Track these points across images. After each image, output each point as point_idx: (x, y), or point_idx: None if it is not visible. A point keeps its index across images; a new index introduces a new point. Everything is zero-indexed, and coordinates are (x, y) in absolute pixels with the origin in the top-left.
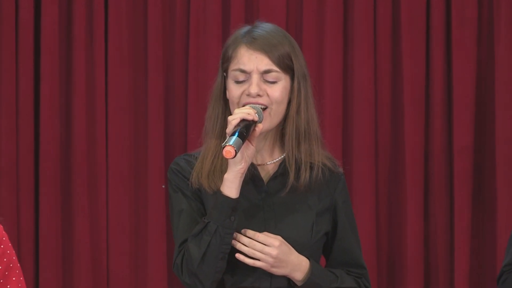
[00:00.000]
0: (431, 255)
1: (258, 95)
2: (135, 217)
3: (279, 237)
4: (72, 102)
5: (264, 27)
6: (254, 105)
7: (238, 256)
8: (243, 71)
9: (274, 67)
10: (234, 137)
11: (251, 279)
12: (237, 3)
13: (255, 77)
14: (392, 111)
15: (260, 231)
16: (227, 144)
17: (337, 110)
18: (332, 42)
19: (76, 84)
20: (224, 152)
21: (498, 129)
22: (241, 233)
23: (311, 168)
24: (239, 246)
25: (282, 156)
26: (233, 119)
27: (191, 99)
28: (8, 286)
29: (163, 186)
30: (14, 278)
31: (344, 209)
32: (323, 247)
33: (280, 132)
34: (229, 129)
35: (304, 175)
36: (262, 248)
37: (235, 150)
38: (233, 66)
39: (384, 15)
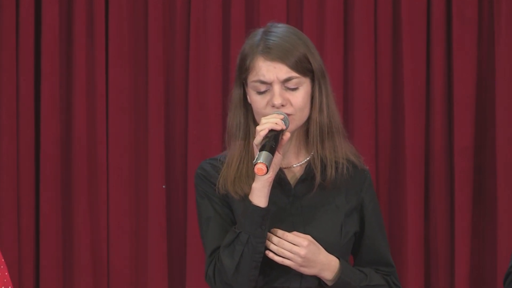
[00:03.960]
0: (431, 256)
1: (282, 105)
2: (136, 217)
3: (309, 237)
4: (72, 102)
5: (277, 32)
6: (279, 111)
7: (268, 253)
8: (263, 82)
9: (294, 74)
10: (264, 153)
11: (281, 279)
12: (238, 4)
13: (276, 88)
14: (392, 111)
15: None
16: (259, 162)
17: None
18: (333, 43)
19: (77, 84)
20: (256, 170)
21: (498, 129)
22: (271, 232)
23: (337, 165)
24: (267, 244)
25: (308, 158)
26: (262, 130)
27: (192, 99)
28: None
29: (164, 186)
30: None
31: (372, 207)
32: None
33: (304, 132)
34: (258, 140)
35: (330, 173)
36: (291, 248)
37: (267, 167)
38: (252, 77)
39: (384, 15)
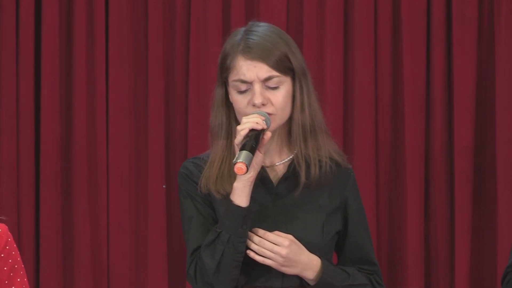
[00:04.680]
0: (431, 255)
1: (263, 104)
2: (136, 217)
3: (290, 236)
4: (72, 102)
5: (258, 31)
6: (261, 111)
7: (249, 253)
8: (244, 81)
9: (274, 73)
10: (244, 152)
11: (263, 278)
12: (238, 4)
13: (257, 87)
14: (392, 111)
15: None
16: (238, 161)
17: (337, 110)
18: (333, 42)
19: (77, 84)
20: (235, 169)
21: (498, 129)
22: (252, 232)
23: (320, 164)
24: (249, 243)
25: (291, 156)
26: (242, 129)
27: (192, 99)
28: (13, 287)
29: (164, 186)
30: (18, 279)
31: (355, 206)
32: (335, 245)
33: (287, 130)
34: (238, 140)
35: (314, 171)
36: (272, 247)
37: (247, 166)
38: (233, 76)
39: (384, 15)
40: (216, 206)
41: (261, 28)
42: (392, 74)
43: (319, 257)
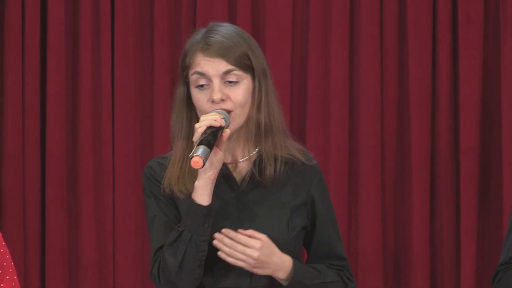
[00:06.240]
0: (437, 255)
1: (222, 100)
2: (141, 217)
3: (264, 237)
4: (78, 102)
5: (218, 30)
6: (220, 110)
7: (220, 254)
8: (201, 74)
9: (233, 67)
10: (201, 147)
11: (230, 279)
12: (243, 3)
13: (216, 82)
14: (398, 111)
15: (234, 229)
16: (195, 155)
17: (343, 110)
18: (338, 42)
19: (82, 84)
20: (192, 163)
21: (504, 129)
22: (223, 233)
23: (276, 162)
24: (220, 246)
25: (253, 153)
26: (200, 127)
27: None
28: (2, 285)
29: None
30: (7, 277)
31: (322, 202)
32: (304, 241)
33: (247, 129)
34: (196, 137)
35: (269, 170)
36: (243, 250)
37: (203, 160)
38: (192, 70)
39: (390, 15)
40: (179, 205)
41: (223, 28)
42: (398, 74)
43: (291, 257)
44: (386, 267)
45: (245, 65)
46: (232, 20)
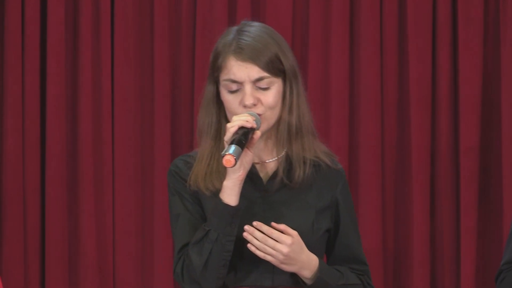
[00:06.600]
0: (437, 255)
1: (253, 105)
2: (142, 218)
3: (295, 234)
4: (78, 102)
5: (250, 31)
6: (251, 111)
7: (250, 247)
8: (234, 81)
9: (265, 74)
10: (234, 146)
11: (252, 277)
12: (243, 3)
13: (248, 87)
14: (398, 110)
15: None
16: (227, 153)
17: (343, 109)
18: (339, 42)
19: (82, 84)
20: (224, 161)
21: (504, 129)
22: (254, 226)
23: (304, 164)
24: (250, 238)
25: (281, 154)
26: (232, 127)
27: (198, 99)
28: None
29: None
30: None
31: (346, 206)
32: (325, 244)
33: (276, 131)
34: (227, 136)
35: (298, 172)
36: (274, 245)
37: (235, 159)
38: (224, 76)
39: (390, 14)
40: (204, 203)
41: (253, 28)
42: (398, 74)
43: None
44: (386, 267)
45: (276, 69)
46: (232, 20)
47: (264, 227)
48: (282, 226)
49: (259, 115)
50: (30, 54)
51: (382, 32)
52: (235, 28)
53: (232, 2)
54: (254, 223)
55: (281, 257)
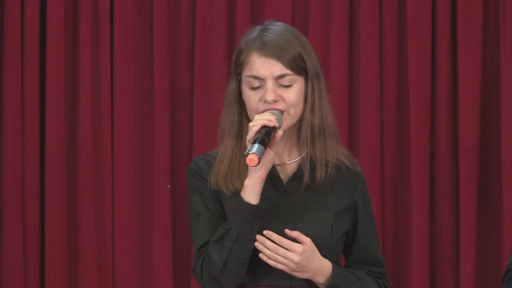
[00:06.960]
0: (436, 255)
1: (275, 101)
2: (141, 217)
3: (308, 241)
4: (77, 102)
5: (274, 30)
6: (273, 110)
7: (262, 256)
8: (256, 77)
9: (288, 71)
10: (257, 145)
11: (270, 278)
12: (243, 3)
13: (269, 84)
14: (397, 111)
15: (280, 230)
16: (251, 152)
17: (342, 109)
18: (338, 42)
19: (82, 84)
20: (247, 160)
21: (503, 130)
22: (265, 235)
23: (326, 166)
24: (261, 248)
25: (302, 156)
26: (254, 126)
27: (197, 98)
28: None
29: (168, 186)
30: None
31: (365, 208)
32: (344, 247)
33: (297, 131)
34: (250, 135)
35: (320, 173)
36: (285, 253)
37: (259, 158)
38: (246, 72)
39: (390, 14)
40: (224, 202)
41: (278, 27)
42: (397, 74)
43: (330, 261)
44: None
45: (299, 67)
46: (231, 20)
47: (275, 236)
48: (295, 233)
49: (281, 111)
50: (30, 54)
51: (382, 32)
52: (259, 27)
53: (232, 2)
54: (265, 232)
55: (292, 265)
